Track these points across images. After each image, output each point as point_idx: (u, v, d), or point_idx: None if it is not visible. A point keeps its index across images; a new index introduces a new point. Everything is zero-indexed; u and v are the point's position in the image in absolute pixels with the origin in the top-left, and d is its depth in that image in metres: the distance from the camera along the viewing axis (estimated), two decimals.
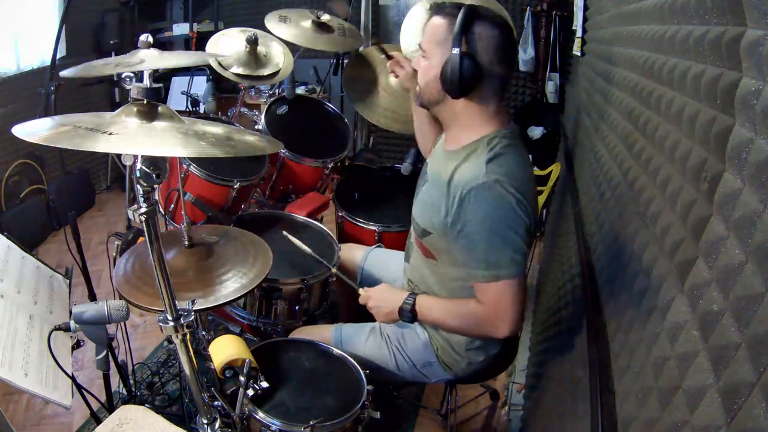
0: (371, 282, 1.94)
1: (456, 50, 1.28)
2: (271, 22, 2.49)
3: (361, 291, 1.60)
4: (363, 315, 1.76)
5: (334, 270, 1.79)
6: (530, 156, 1.83)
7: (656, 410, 0.81)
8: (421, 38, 1.41)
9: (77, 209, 3.65)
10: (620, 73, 1.73)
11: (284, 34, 2.46)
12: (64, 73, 1.20)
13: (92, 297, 2.17)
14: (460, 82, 1.29)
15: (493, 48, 1.31)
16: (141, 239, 2.22)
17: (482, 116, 1.38)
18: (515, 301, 1.34)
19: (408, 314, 1.48)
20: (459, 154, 1.39)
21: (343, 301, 2.09)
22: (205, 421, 1.24)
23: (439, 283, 1.52)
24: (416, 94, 1.48)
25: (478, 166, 1.32)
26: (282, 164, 2.49)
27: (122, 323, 1.58)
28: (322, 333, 1.70)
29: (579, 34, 3.10)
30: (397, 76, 1.93)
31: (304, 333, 1.73)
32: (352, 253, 2.01)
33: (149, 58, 1.12)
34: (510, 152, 1.34)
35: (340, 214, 2.29)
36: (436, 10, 1.38)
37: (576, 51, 3.19)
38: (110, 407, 1.49)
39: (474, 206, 1.30)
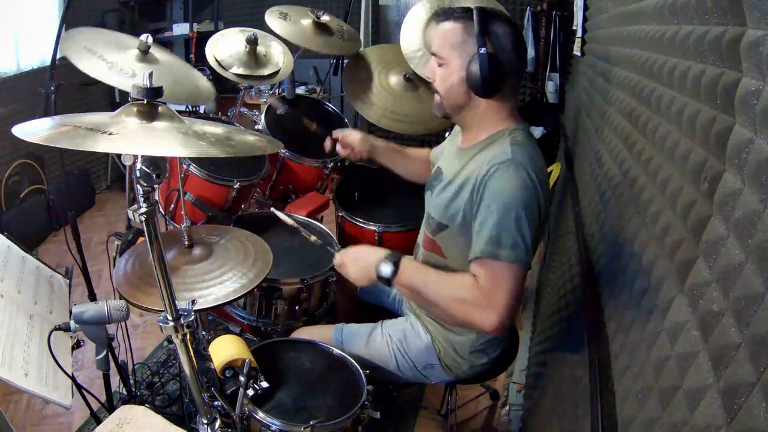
0: (372, 290, 1.92)
1: (483, 50, 1.28)
2: (271, 18, 2.49)
3: (337, 255, 1.47)
4: (363, 315, 1.76)
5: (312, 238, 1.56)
6: None
7: (656, 410, 0.81)
8: (434, 46, 1.40)
9: (77, 209, 3.64)
10: (620, 73, 1.73)
11: (283, 31, 2.46)
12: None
13: (92, 297, 2.18)
14: (491, 81, 1.30)
15: (510, 45, 1.32)
16: (141, 239, 2.22)
17: (502, 114, 1.39)
18: (512, 288, 1.23)
19: (388, 268, 1.30)
20: (476, 147, 1.40)
21: (343, 301, 2.09)
22: (205, 421, 1.24)
23: None
24: (436, 105, 1.45)
25: (502, 148, 1.32)
26: (282, 164, 2.48)
27: (122, 323, 1.58)
28: (322, 333, 1.70)
29: (579, 34, 3.10)
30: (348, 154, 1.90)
31: (305, 333, 1.73)
32: None
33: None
34: (528, 144, 1.35)
35: (340, 214, 2.29)
36: (445, 15, 1.37)
37: (576, 51, 3.18)
38: (110, 407, 1.49)
39: (496, 180, 1.27)
